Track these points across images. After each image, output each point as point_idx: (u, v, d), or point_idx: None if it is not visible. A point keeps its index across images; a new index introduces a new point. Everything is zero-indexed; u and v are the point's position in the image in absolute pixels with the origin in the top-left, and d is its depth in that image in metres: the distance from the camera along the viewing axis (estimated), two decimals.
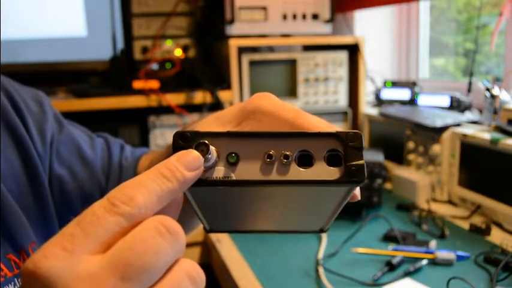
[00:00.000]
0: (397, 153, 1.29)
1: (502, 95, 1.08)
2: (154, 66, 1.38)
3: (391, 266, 0.81)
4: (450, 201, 1.13)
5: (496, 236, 0.93)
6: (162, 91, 1.27)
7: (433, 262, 0.83)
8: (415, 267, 0.80)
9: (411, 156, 1.24)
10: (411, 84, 1.42)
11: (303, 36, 1.41)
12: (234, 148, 0.29)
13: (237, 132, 0.30)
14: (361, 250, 0.88)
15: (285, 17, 1.36)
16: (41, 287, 0.23)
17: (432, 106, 1.32)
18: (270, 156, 0.29)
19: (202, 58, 1.49)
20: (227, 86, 1.33)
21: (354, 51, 1.43)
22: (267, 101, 0.36)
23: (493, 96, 1.08)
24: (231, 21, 1.32)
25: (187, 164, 0.27)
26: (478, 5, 1.28)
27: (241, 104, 0.37)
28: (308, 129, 0.33)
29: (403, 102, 1.41)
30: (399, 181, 1.21)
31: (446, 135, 1.11)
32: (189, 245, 1.09)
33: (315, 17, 1.38)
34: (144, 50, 1.43)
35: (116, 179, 0.65)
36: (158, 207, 0.26)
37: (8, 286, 0.47)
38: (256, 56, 1.36)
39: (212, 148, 0.29)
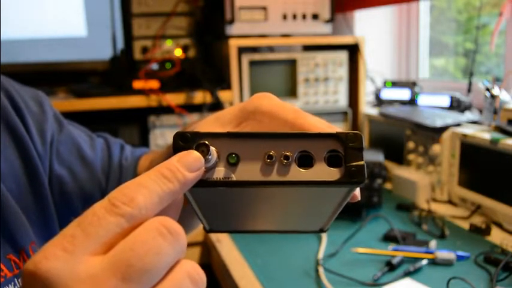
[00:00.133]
0: (397, 153, 1.29)
1: (502, 95, 1.08)
2: (154, 66, 1.38)
3: (391, 266, 0.81)
4: (450, 201, 1.13)
5: (496, 236, 0.93)
6: (162, 91, 1.27)
7: (433, 262, 0.83)
8: (415, 267, 0.80)
9: (411, 156, 1.24)
10: (411, 84, 1.42)
11: (303, 36, 1.41)
12: (235, 149, 0.30)
13: (237, 132, 0.30)
14: (361, 250, 0.88)
15: (285, 17, 1.36)
16: (42, 287, 0.23)
17: (432, 106, 1.32)
18: (270, 157, 0.29)
19: (202, 58, 1.49)
20: (227, 86, 1.33)
21: (354, 51, 1.43)
22: (267, 101, 0.36)
23: (493, 96, 1.08)
24: (231, 21, 1.32)
25: (188, 164, 0.27)
26: (478, 5, 1.28)
27: (241, 105, 0.37)
28: (308, 129, 0.33)
29: (403, 102, 1.41)
30: (399, 181, 1.21)
31: (446, 135, 1.11)
32: (189, 245, 1.09)
33: (315, 17, 1.38)
34: (144, 50, 1.43)
35: (116, 179, 0.65)
36: (159, 208, 0.26)
37: (8, 286, 0.47)
38: (256, 56, 1.36)
39: (212, 149, 0.29)
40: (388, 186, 1.26)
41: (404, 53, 1.70)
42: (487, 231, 0.94)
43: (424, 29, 1.64)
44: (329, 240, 0.94)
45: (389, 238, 0.93)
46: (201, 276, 0.26)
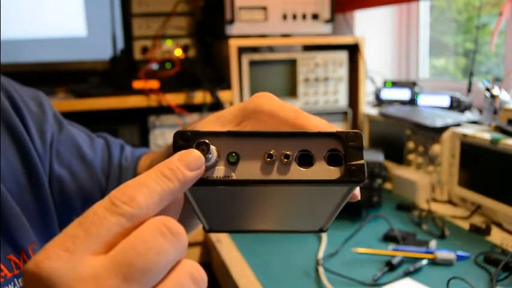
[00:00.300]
0: (397, 153, 1.29)
1: (502, 95, 1.08)
2: (154, 66, 1.38)
3: (391, 266, 0.81)
4: (450, 201, 1.13)
5: (496, 236, 0.93)
6: (162, 91, 1.27)
7: (433, 262, 0.83)
8: (415, 267, 0.80)
9: (411, 156, 1.24)
10: (411, 84, 1.42)
11: (303, 36, 1.41)
12: (235, 148, 0.29)
13: (237, 131, 0.30)
14: (361, 250, 0.88)
15: (285, 17, 1.36)
16: (43, 287, 0.23)
17: (432, 106, 1.32)
18: (270, 156, 0.29)
19: (202, 58, 1.49)
20: (227, 86, 1.33)
21: (354, 51, 1.43)
22: (267, 100, 0.36)
23: (493, 96, 1.08)
24: (231, 21, 1.32)
25: (189, 163, 0.27)
26: (478, 5, 1.28)
27: (241, 104, 0.37)
28: (308, 129, 0.33)
29: (403, 102, 1.41)
30: (399, 181, 1.21)
31: (446, 135, 1.11)
32: (189, 245, 1.09)
33: (315, 17, 1.38)
34: (144, 50, 1.44)
35: (116, 179, 0.65)
36: (159, 207, 0.26)
37: (8, 286, 0.47)
38: (256, 56, 1.36)
39: (213, 148, 0.29)
40: (388, 186, 1.26)
41: (404, 53, 1.70)
42: (487, 231, 0.94)
43: (424, 29, 1.64)
44: (329, 240, 0.94)
45: (389, 238, 0.93)
46: (202, 275, 0.26)
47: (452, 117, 1.16)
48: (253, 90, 1.35)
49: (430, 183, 1.15)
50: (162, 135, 1.33)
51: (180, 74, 1.36)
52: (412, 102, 1.38)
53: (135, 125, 1.38)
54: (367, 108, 1.46)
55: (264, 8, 1.35)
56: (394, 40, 1.72)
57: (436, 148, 1.14)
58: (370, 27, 1.65)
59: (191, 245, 1.13)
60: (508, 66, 1.28)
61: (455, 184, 1.09)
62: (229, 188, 0.30)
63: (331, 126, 0.33)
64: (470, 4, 1.51)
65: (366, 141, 1.42)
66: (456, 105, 1.27)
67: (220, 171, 0.29)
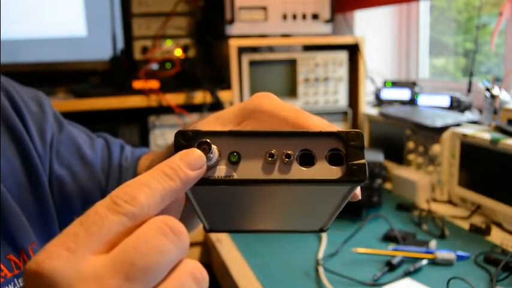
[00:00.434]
0: (397, 153, 1.29)
1: (502, 95, 1.08)
2: (154, 66, 1.38)
3: (391, 266, 0.81)
4: (450, 201, 1.13)
5: (496, 236, 0.93)
6: (162, 91, 1.27)
7: (433, 262, 0.83)
8: (415, 267, 0.80)
9: (411, 156, 1.24)
10: (411, 84, 1.42)
11: (303, 36, 1.41)
12: (236, 147, 0.29)
13: (238, 131, 0.30)
14: (361, 250, 0.88)
15: (285, 17, 1.36)
16: (45, 287, 0.23)
17: (432, 106, 1.32)
18: (271, 155, 0.29)
19: (202, 58, 1.49)
20: (227, 86, 1.33)
21: (354, 51, 1.43)
22: (268, 100, 0.36)
23: (493, 96, 1.08)
24: (231, 21, 1.32)
25: (190, 163, 0.27)
26: (478, 5, 1.28)
27: (241, 104, 0.37)
28: (309, 128, 0.33)
29: (403, 102, 1.41)
30: (399, 181, 1.21)
31: (446, 135, 1.11)
32: (189, 245, 1.09)
33: (315, 17, 1.38)
34: (144, 50, 1.43)
35: (116, 179, 0.65)
36: (161, 207, 0.26)
37: (8, 286, 0.47)
38: (256, 56, 1.36)
39: (214, 147, 0.29)
40: (388, 186, 1.26)
41: (404, 53, 1.70)
42: (487, 231, 0.94)
43: (424, 29, 1.64)
44: (329, 240, 0.94)
45: (389, 238, 0.93)
46: (204, 275, 0.26)
47: (452, 117, 1.16)
48: (253, 90, 1.35)
49: (430, 183, 1.15)
50: (162, 135, 1.33)
51: (180, 74, 1.36)
52: (412, 102, 1.39)
53: (135, 125, 1.38)
54: (367, 108, 1.46)
55: (264, 8, 1.35)
56: (394, 40, 1.72)
57: (436, 148, 1.14)
58: (370, 27, 1.65)
59: (191, 245, 1.12)
60: (508, 66, 1.28)
61: (455, 184, 1.09)
62: (231, 187, 0.30)
63: (332, 126, 0.33)
64: (470, 4, 1.51)
65: (366, 141, 1.42)
66: (456, 105, 1.27)
67: (221, 171, 0.29)
